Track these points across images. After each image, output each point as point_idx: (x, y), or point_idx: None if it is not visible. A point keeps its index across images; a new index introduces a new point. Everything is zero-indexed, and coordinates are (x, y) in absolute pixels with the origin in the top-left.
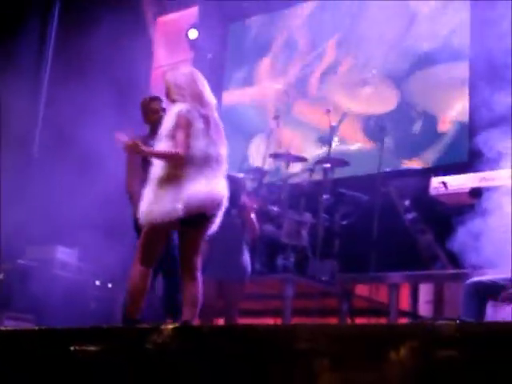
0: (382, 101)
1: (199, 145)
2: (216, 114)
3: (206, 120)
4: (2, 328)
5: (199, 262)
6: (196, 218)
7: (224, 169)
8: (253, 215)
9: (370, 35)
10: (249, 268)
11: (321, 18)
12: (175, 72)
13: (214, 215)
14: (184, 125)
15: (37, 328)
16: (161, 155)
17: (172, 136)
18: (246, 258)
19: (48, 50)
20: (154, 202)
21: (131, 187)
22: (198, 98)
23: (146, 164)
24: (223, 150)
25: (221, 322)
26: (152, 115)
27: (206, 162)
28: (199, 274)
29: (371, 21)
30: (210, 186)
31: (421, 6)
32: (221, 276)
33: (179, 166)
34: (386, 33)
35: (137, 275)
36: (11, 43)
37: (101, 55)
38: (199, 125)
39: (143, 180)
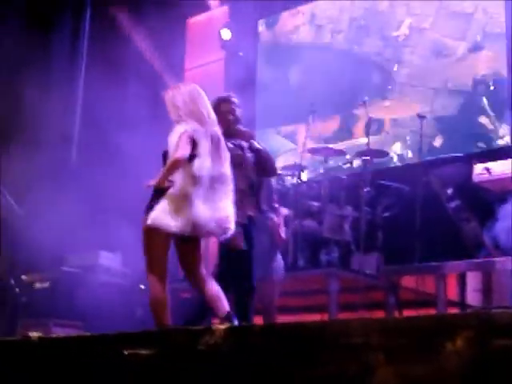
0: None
1: (206, 165)
2: (217, 131)
3: (210, 139)
4: (53, 335)
5: (203, 267)
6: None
7: (230, 189)
8: (280, 223)
9: None
10: (281, 265)
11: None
12: (174, 91)
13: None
14: (184, 139)
15: (88, 334)
16: (166, 171)
17: (175, 150)
18: (278, 256)
19: (83, 49)
20: (168, 213)
21: None
22: (196, 117)
23: None
24: (227, 169)
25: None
26: (222, 117)
27: (211, 183)
28: (209, 276)
29: None
30: (215, 209)
31: None
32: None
33: (189, 186)
34: None
35: (151, 285)
36: (46, 41)
37: (135, 56)
38: (206, 144)
39: None
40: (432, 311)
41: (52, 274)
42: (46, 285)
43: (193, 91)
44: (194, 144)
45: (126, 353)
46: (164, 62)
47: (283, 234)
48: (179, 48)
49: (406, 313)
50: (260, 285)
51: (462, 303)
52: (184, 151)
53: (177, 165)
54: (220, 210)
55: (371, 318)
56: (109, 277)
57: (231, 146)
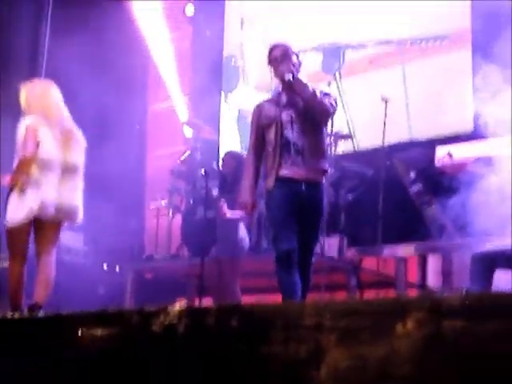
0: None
1: (51, 153)
2: (69, 124)
3: (54, 130)
4: (8, 315)
5: (54, 249)
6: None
7: (79, 177)
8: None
9: None
10: (244, 244)
11: None
12: (28, 86)
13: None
14: (30, 133)
15: (44, 315)
16: (17, 170)
17: (23, 146)
18: (242, 234)
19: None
20: (17, 207)
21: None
22: (45, 111)
23: None
24: (77, 160)
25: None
26: (274, 67)
27: (60, 172)
28: (52, 259)
29: None
30: (62, 196)
31: None
32: (216, 253)
33: (35, 170)
34: None
35: (10, 272)
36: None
37: (98, 41)
38: (50, 134)
39: None
40: (393, 293)
41: None
42: (5, 264)
43: (45, 87)
44: (39, 136)
45: (80, 333)
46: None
47: None
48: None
49: (367, 294)
50: (219, 263)
51: (422, 285)
52: (31, 148)
53: (26, 163)
54: (68, 198)
55: (324, 301)
56: (71, 256)
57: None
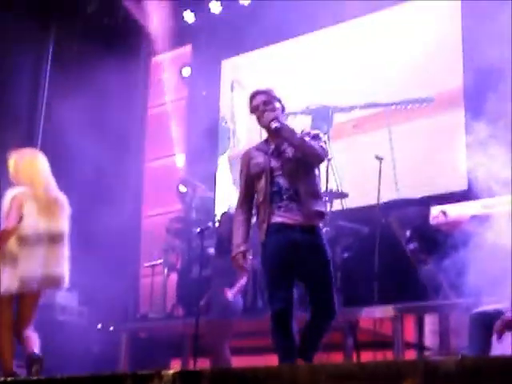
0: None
1: (30, 224)
2: (54, 193)
3: (39, 201)
4: (1, 379)
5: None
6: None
7: (64, 245)
8: (250, 257)
9: None
10: (237, 307)
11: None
12: (17, 155)
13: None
14: (15, 206)
15: (36, 378)
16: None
17: (6, 217)
18: (236, 297)
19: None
20: None
21: None
22: (30, 181)
23: None
24: (61, 227)
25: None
26: (257, 116)
27: (39, 241)
28: (34, 334)
29: None
30: (46, 266)
31: None
32: (210, 316)
33: (14, 245)
34: None
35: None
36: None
37: (93, 102)
38: (31, 205)
39: None
40: (390, 353)
41: None
42: None
43: (34, 157)
44: (22, 207)
45: None
46: (127, 100)
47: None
48: (143, 86)
49: (364, 354)
50: (214, 324)
51: (419, 345)
52: (13, 221)
53: (8, 235)
54: (54, 268)
55: (319, 363)
56: (65, 316)
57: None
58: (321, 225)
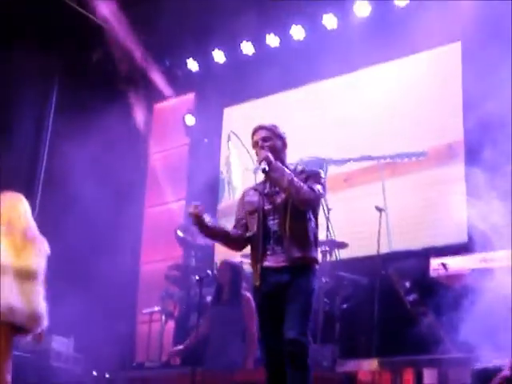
0: None
1: (8, 258)
2: (33, 234)
3: (14, 238)
4: None
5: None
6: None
7: (38, 283)
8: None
9: None
10: (238, 358)
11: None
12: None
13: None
14: None
15: None
16: None
17: None
18: (238, 348)
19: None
20: None
21: None
22: (11, 221)
23: None
24: (35, 266)
25: None
26: (255, 152)
27: (4, 273)
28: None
29: None
30: (25, 301)
31: None
32: (208, 365)
33: None
34: None
35: None
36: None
37: (95, 148)
38: (2, 239)
39: None
40: None
41: None
42: None
43: (15, 200)
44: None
45: None
46: (126, 149)
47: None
48: (145, 132)
49: None
50: (213, 374)
51: None
52: None
53: None
54: (24, 303)
55: None
56: (60, 363)
57: None
58: (314, 268)
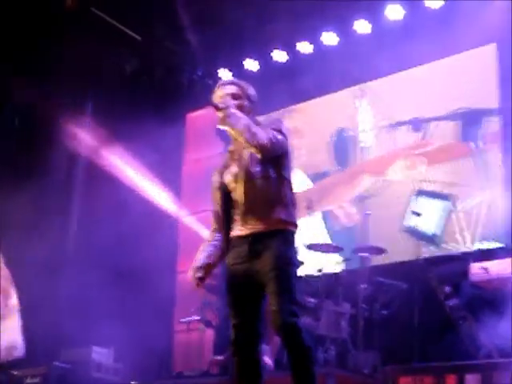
0: None
1: None
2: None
3: None
4: None
5: None
6: None
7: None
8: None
9: None
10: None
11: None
12: None
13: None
14: None
15: None
16: None
17: None
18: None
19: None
20: None
21: None
22: None
23: None
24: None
25: None
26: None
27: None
28: None
29: None
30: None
31: None
32: None
33: None
34: None
35: None
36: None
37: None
38: None
39: None
40: None
41: (43, 369)
42: (37, 380)
43: None
44: None
45: None
46: (163, 155)
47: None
48: (178, 142)
49: None
50: None
51: None
52: None
53: None
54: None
55: None
56: (101, 373)
57: None
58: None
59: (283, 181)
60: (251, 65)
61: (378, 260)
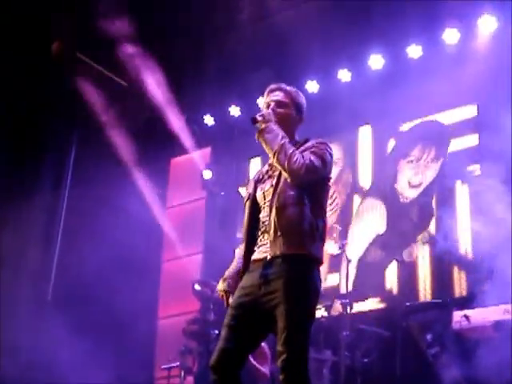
0: None
1: None
2: None
3: None
4: None
5: None
6: None
7: None
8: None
9: None
10: None
11: None
12: None
13: None
14: None
15: None
16: None
17: None
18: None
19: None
20: None
21: None
22: None
23: None
24: None
25: None
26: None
27: None
28: None
29: None
30: None
31: None
32: None
33: None
34: None
35: None
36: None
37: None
38: None
39: None
40: None
41: None
42: None
43: None
44: None
45: None
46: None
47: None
48: (161, 186)
49: None
50: None
51: None
52: None
53: None
54: None
55: None
56: None
57: None
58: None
59: (317, 210)
60: (237, 111)
61: (359, 306)
